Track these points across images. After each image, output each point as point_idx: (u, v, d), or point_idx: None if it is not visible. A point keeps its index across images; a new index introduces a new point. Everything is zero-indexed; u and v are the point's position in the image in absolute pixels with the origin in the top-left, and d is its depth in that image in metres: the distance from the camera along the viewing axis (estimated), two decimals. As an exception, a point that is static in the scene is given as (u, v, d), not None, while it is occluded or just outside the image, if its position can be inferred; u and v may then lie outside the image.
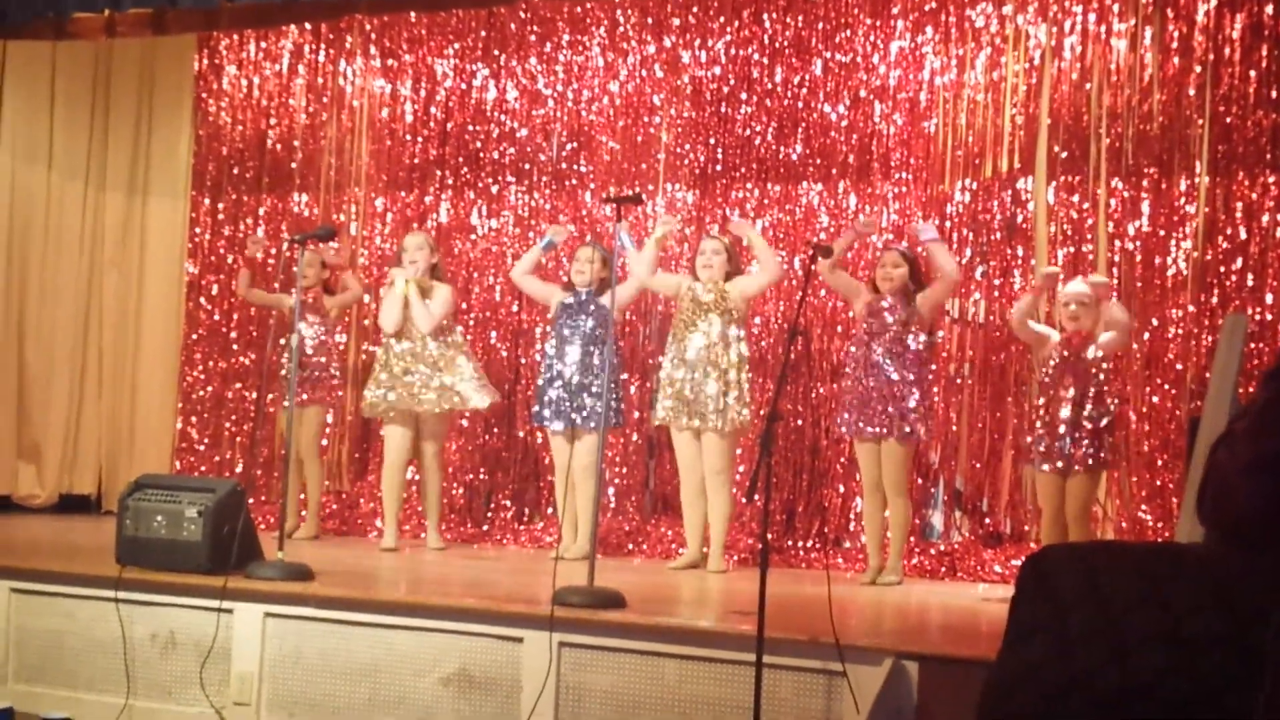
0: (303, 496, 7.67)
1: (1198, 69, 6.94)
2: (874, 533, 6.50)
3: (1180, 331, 6.93)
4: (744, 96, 7.86)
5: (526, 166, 8.36)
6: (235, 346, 8.84)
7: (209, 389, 8.86)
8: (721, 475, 6.55)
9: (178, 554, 5.41)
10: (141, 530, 5.49)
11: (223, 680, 5.16)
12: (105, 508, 8.71)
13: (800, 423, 7.54)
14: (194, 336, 8.95)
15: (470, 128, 8.49)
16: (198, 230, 9.02)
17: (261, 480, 8.55)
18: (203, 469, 8.69)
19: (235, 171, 8.94)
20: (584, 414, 6.85)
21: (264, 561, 5.46)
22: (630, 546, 7.53)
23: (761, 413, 6.68)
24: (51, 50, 8.79)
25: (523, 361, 8.23)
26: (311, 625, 5.11)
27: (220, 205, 8.97)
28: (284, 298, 7.41)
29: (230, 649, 5.16)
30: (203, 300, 8.95)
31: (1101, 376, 6.11)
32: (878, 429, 6.34)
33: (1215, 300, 6.85)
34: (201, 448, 8.84)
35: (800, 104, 7.74)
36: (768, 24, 7.83)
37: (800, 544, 7.35)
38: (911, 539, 7.09)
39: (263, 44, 8.93)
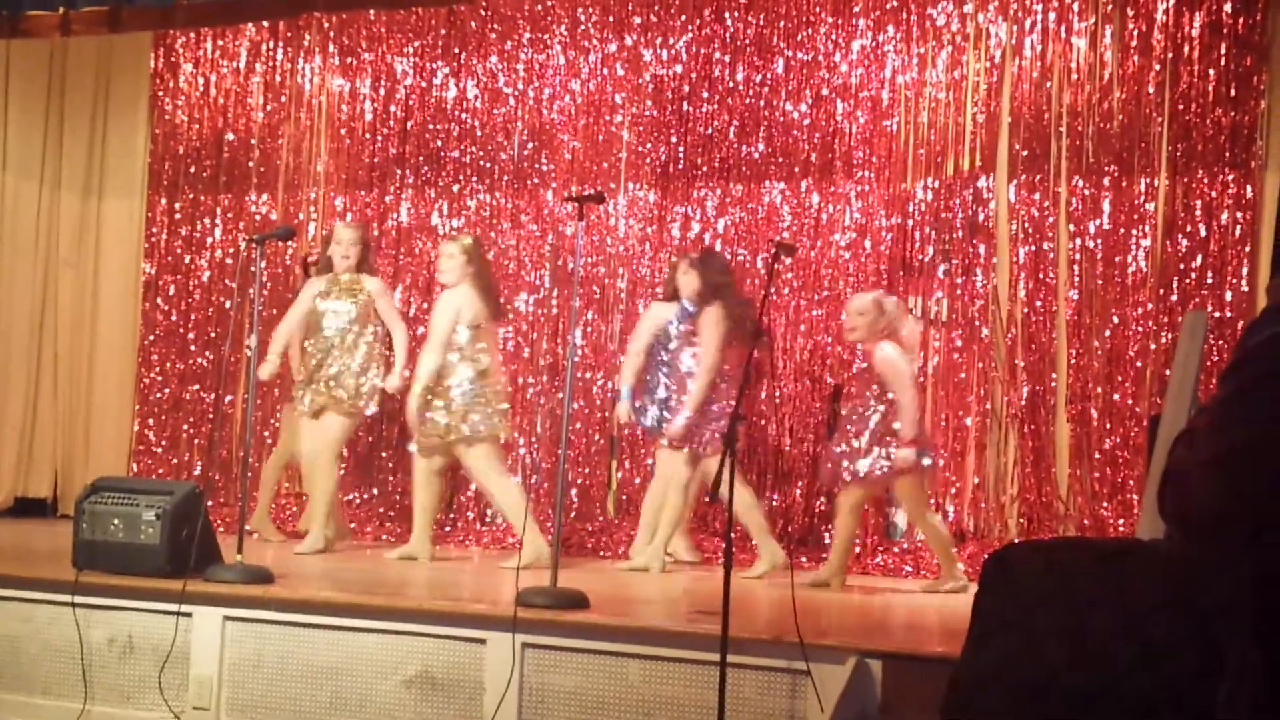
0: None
1: (1157, 67, 6.98)
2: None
3: (1140, 329, 6.97)
4: (706, 95, 7.85)
5: (487, 165, 8.31)
6: (193, 347, 8.75)
7: (166, 390, 8.78)
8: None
9: (135, 557, 5.35)
10: (98, 533, 5.42)
11: (182, 684, 5.11)
12: (62, 511, 8.60)
13: (764, 422, 7.53)
14: (151, 337, 8.86)
15: (430, 126, 8.44)
16: (154, 230, 8.93)
17: (220, 482, 8.46)
18: (160, 471, 8.61)
19: (192, 170, 8.86)
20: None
21: (223, 564, 5.40)
22: (590, 546, 7.50)
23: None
24: (5, 48, 8.69)
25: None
26: (271, 628, 5.06)
27: (177, 205, 8.89)
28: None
29: (189, 653, 5.11)
30: (159, 301, 8.86)
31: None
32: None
33: (1175, 298, 6.90)
34: (159, 450, 8.75)
35: (762, 102, 7.74)
36: (729, 22, 7.82)
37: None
38: (874, 537, 7.13)
39: (220, 42, 8.85)
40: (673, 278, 6.86)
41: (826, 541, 7.28)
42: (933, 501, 7.28)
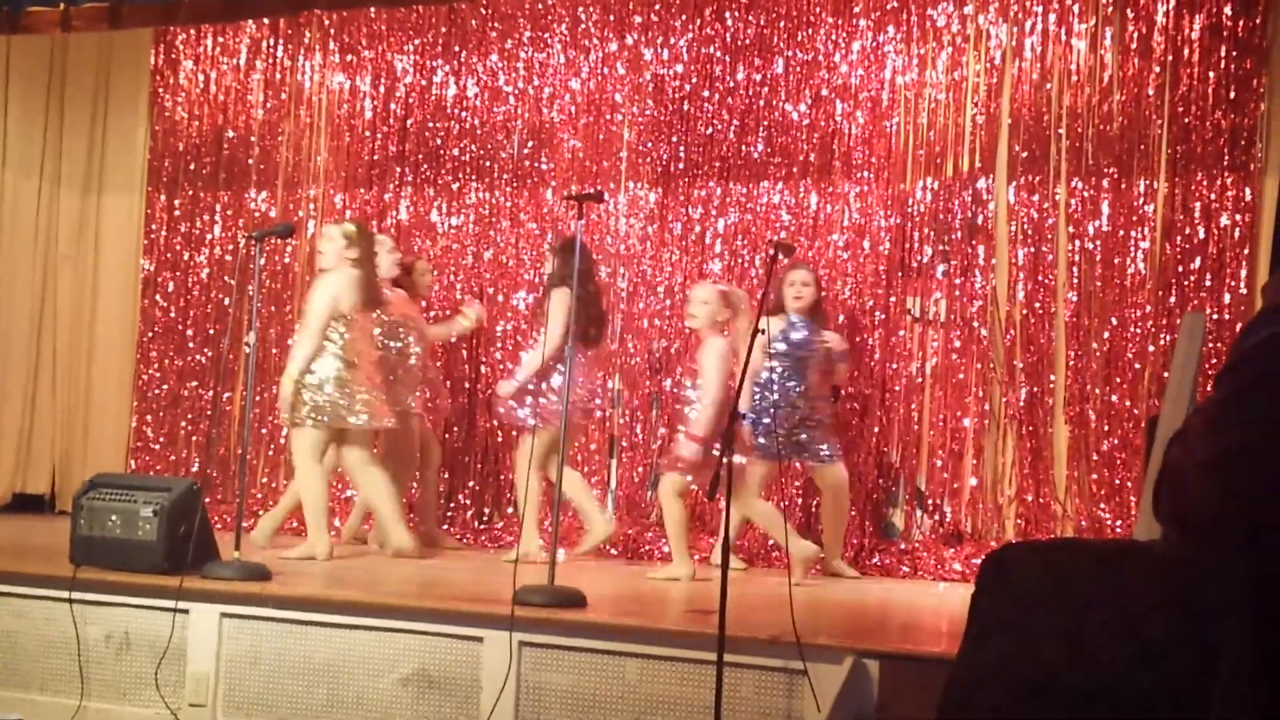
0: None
1: (1157, 70, 6.99)
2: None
3: (1139, 331, 6.97)
4: (706, 94, 7.85)
5: (487, 164, 8.31)
6: (192, 344, 8.76)
7: (165, 387, 8.78)
8: None
9: (133, 554, 5.35)
10: (96, 530, 5.42)
11: (178, 681, 5.11)
12: (59, 507, 8.61)
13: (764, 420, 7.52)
14: (150, 334, 8.86)
15: (430, 124, 8.44)
16: (154, 227, 8.93)
17: (218, 479, 8.47)
18: (158, 468, 8.61)
19: (192, 167, 8.86)
20: None
21: (220, 561, 5.41)
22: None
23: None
24: (5, 45, 8.69)
25: (483, 360, 8.19)
26: (268, 625, 5.06)
27: (176, 202, 8.89)
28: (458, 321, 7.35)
29: (186, 649, 5.11)
30: (158, 297, 8.86)
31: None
32: None
33: (1174, 300, 6.90)
34: (157, 446, 8.75)
35: (762, 102, 7.74)
36: (730, 22, 7.83)
37: (761, 542, 7.34)
38: (872, 538, 7.14)
39: (220, 39, 8.85)
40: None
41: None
42: (930, 503, 7.30)
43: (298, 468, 6.60)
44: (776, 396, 6.64)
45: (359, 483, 6.80)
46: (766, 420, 6.58)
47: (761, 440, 6.54)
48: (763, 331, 5.01)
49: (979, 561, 2.15)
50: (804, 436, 6.67)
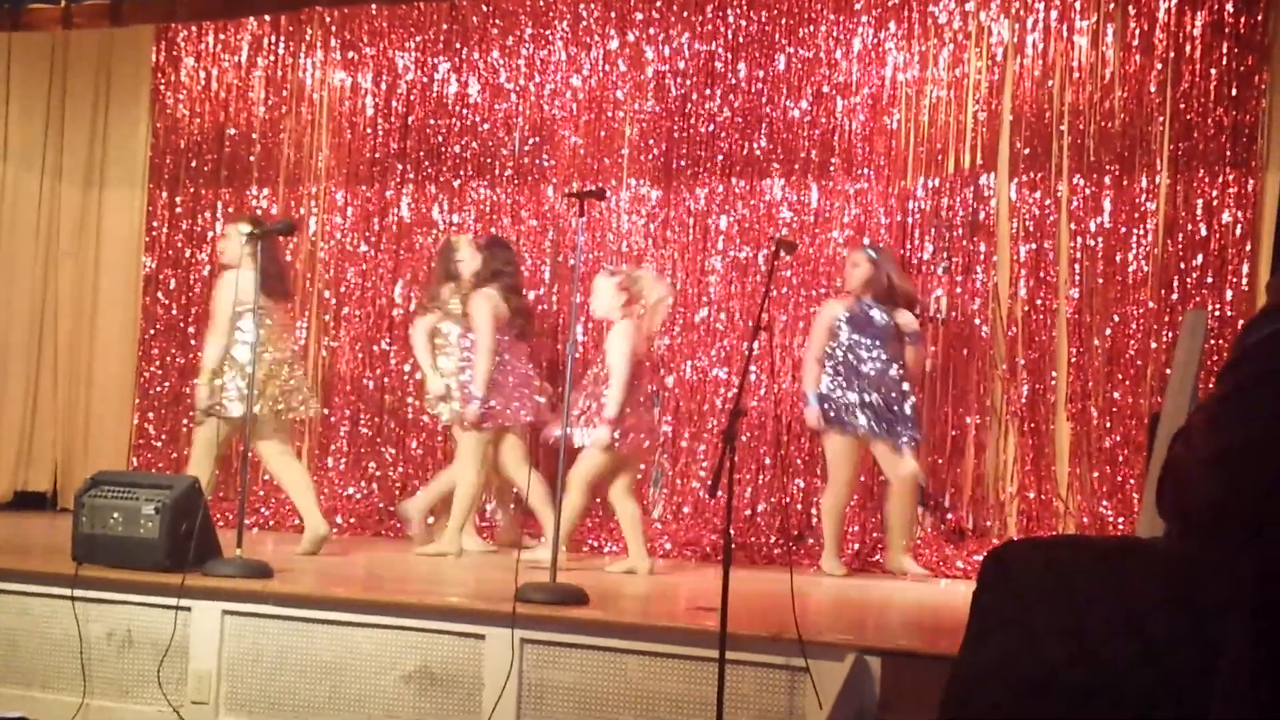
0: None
1: (1159, 66, 6.98)
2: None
3: (1141, 328, 6.97)
4: (707, 91, 7.85)
5: (488, 161, 8.31)
6: (193, 341, 8.74)
7: (166, 384, 8.78)
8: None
9: (135, 551, 5.34)
10: (98, 527, 5.42)
11: (180, 679, 5.11)
12: (61, 505, 8.61)
13: (764, 418, 7.53)
14: (151, 331, 8.86)
15: (432, 121, 8.44)
16: (155, 224, 8.93)
17: (220, 477, 8.45)
18: (160, 465, 8.60)
19: (193, 164, 8.86)
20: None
21: (222, 559, 5.41)
22: (595, 543, 7.50)
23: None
24: (7, 41, 8.69)
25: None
26: (270, 623, 5.06)
27: (178, 199, 8.89)
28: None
29: (188, 647, 5.10)
30: (160, 295, 8.86)
31: None
32: None
33: (1175, 297, 6.90)
34: (159, 444, 8.75)
35: (763, 99, 7.74)
36: (731, 19, 7.82)
37: (763, 539, 7.35)
38: (874, 534, 7.14)
39: (221, 36, 8.85)
40: (850, 272, 6.84)
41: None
42: (932, 500, 7.30)
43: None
44: (842, 377, 6.64)
45: (274, 471, 6.86)
46: (838, 396, 6.63)
47: (834, 416, 6.61)
48: (764, 329, 4.99)
49: (981, 558, 2.15)
50: (871, 416, 6.60)
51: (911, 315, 6.78)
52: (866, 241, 7.15)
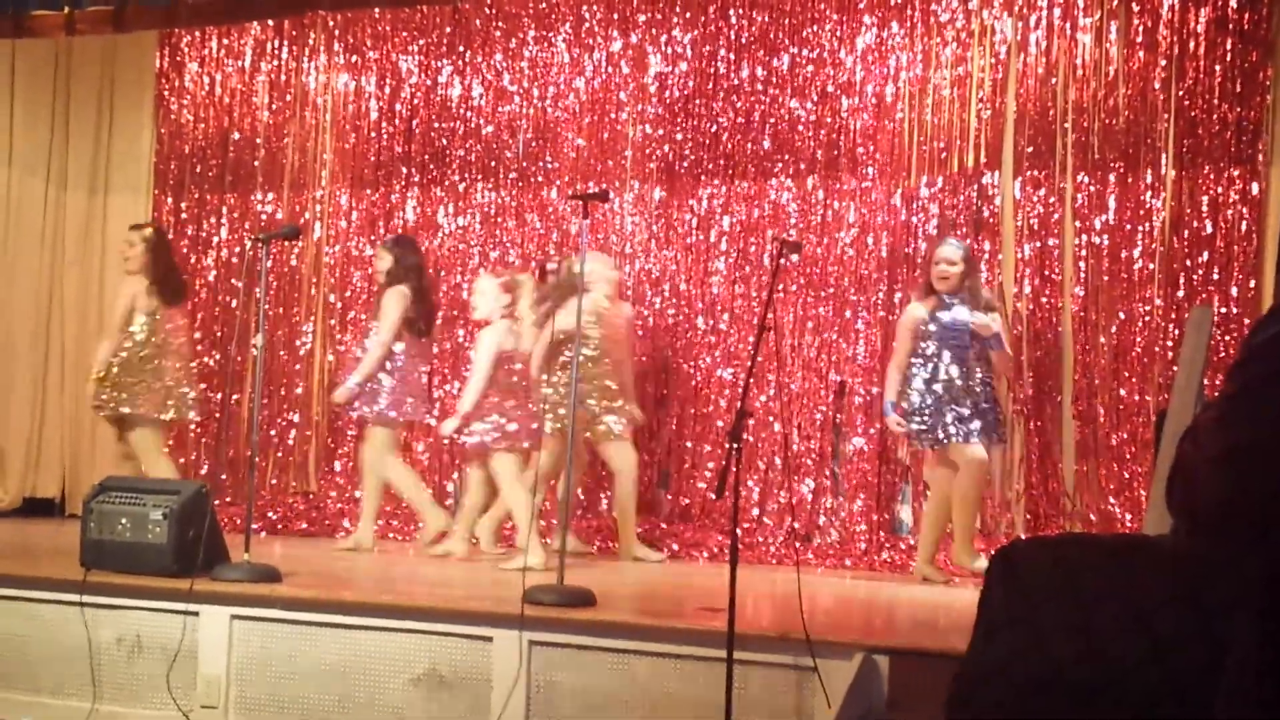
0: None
1: (1162, 63, 6.98)
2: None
3: (1146, 325, 6.96)
4: (710, 92, 7.85)
5: (492, 163, 8.32)
6: (200, 347, 8.75)
7: (173, 389, 8.77)
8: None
9: (143, 556, 5.35)
10: (106, 533, 5.42)
11: (190, 683, 5.11)
12: (69, 511, 8.62)
13: (771, 418, 7.53)
14: (157, 337, 8.86)
15: (435, 125, 8.44)
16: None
17: (227, 482, 8.48)
18: (167, 471, 8.60)
19: (197, 170, 8.87)
20: None
21: (230, 563, 5.41)
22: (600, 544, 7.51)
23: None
24: (11, 48, 8.70)
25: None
26: (279, 627, 5.06)
27: (183, 204, 8.90)
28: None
29: (197, 652, 5.11)
30: (166, 300, 8.85)
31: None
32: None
33: (1181, 294, 6.89)
34: (166, 449, 8.73)
35: (767, 99, 7.74)
36: (734, 19, 7.82)
37: (770, 539, 7.35)
38: (881, 534, 7.14)
39: (225, 40, 8.86)
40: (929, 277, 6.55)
41: (833, 538, 7.29)
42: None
43: (150, 466, 7.18)
44: (928, 377, 6.38)
45: (147, 468, 7.24)
46: (929, 405, 6.35)
47: (914, 425, 6.39)
48: (769, 329, 4.98)
49: (989, 557, 2.15)
50: (950, 416, 6.32)
51: (995, 316, 6.51)
52: (952, 239, 6.74)
